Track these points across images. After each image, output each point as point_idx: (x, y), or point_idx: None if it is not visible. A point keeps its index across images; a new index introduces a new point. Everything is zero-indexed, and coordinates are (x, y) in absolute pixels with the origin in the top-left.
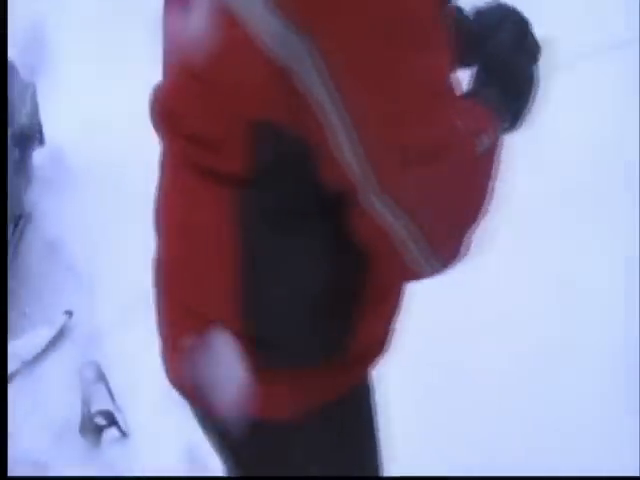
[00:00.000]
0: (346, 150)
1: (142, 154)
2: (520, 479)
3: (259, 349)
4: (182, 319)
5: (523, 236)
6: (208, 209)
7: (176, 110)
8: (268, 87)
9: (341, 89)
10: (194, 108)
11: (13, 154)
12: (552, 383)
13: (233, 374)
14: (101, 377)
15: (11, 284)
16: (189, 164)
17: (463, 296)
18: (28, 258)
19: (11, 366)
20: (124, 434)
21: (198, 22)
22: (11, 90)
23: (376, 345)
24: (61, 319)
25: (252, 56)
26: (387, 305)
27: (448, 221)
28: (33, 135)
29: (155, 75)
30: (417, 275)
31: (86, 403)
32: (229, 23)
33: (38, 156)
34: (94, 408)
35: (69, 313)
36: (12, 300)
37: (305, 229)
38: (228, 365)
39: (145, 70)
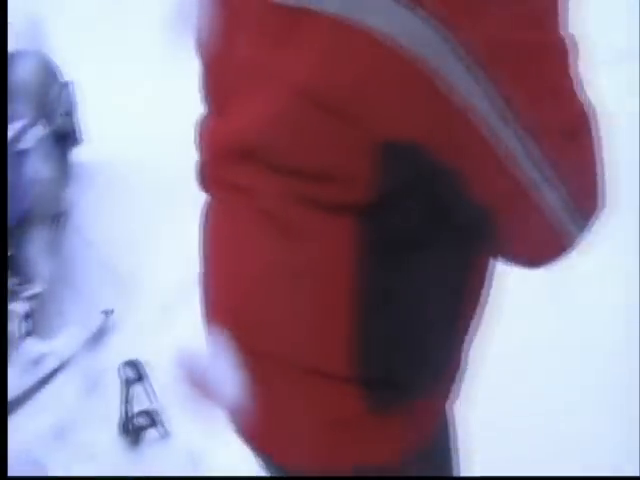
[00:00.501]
0: (503, 135)
1: (181, 154)
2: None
3: (369, 391)
4: (265, 367)
5: None
6: (316, 246)
7: (267, 145)
8: (408, 100)
9: (491, 77)
10: (302, 138)
11: (51, 153)
12: (550, 382)
13: (332, 422)
14: (142, 376)
15: (47, 284)
16: (285, 201)
17: None
18: (66, 257)
19: (50, 365)
20: (165, 434)
21: (315, 46)
22: (48, 89)
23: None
24: (100, 318)
25: (390, 69)
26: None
27: (589, 181)
28: (70, 134)
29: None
30: (563, 247)
31: (126, 403)
32: (361, 40)
33: (77, 155)
34: (135, 408)
35: (108, 312)
36: (50, 298)
37: (423, 258)
38: (325, 414)
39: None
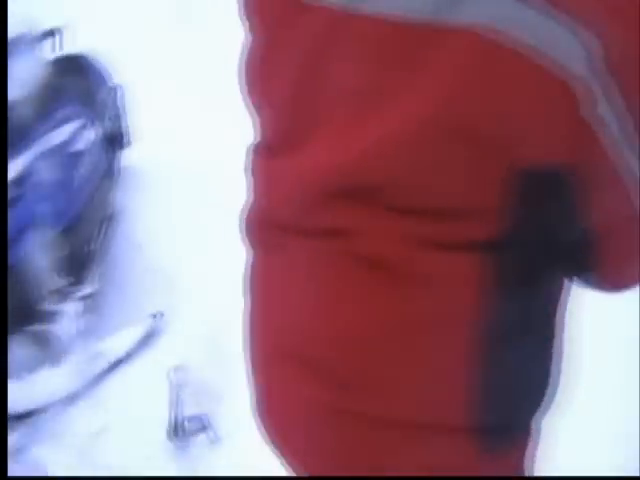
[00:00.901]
0: (628, 158)
1: (231, 161)
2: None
3: (482, 436)
4: (369, 429)
5: None
6: (434, 292)
7: (380, 181)
8: (553, 121)
9: (623, 93)
10: (425, 172)
11: (100, 156)
12: None
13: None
14: (191, 381)
15: (97, 285)
16: (399, 243)
17: None
18: (114, 259)
19: (100, 365)
20: (215, 440)
21: (449, 66)
22: (98, 92)
23: None
24: (149, 321)
25: (538, 87)
26: None
27: None
28: (119, 137)
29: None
30: None
31: (175, 407)
32: (506, 56)
33: (126, 158)
34: (184, 412)
35: (157, 315)
36: (98, 301)
37: (536, 292)
38: (435, 465)
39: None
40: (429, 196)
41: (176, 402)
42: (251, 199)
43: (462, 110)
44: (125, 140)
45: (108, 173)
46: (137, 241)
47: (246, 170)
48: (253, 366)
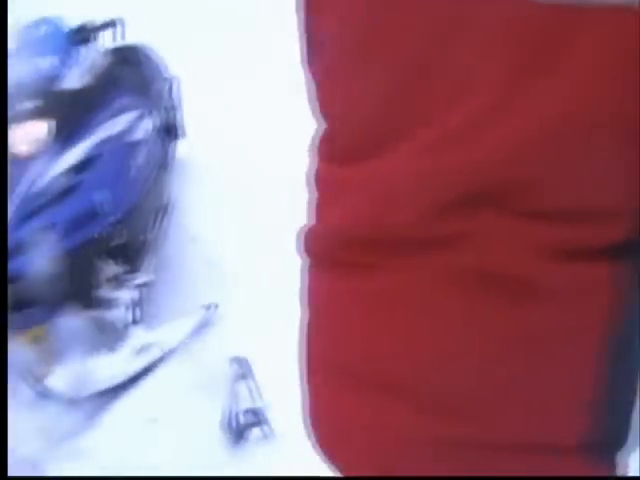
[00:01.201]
0: None
1: (287, 155)
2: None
3: (597, 454)
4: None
5: None
6: (565, 305)
7: (512, 183)
8: None
9: None
10: (565, 170)
11: (156, 146)
12: None
13: None
14: (247, 373)
15: (151, 275)
16: (531, 253)
17: None
18: (168, 250)
19: (154, 355)
20: (270, 434)
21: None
22: (154, 83)
23: None
24: (202, 312)
25: None
26: None
27: None
28: (173, 129)
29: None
30: None
31: (230, 400)
32: None
33: (179, 150)
34: (240, 405)
35: (211, 307)
36: (152, 291)
37: None
38: None
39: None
40: (567, 196)
41: (232, 395)
42: (315, 213)
43: (613, 98)
44: (179, 131)
45: (163, 164)
46: (190, 232)
47: (308, 183)
48: (311, 383)
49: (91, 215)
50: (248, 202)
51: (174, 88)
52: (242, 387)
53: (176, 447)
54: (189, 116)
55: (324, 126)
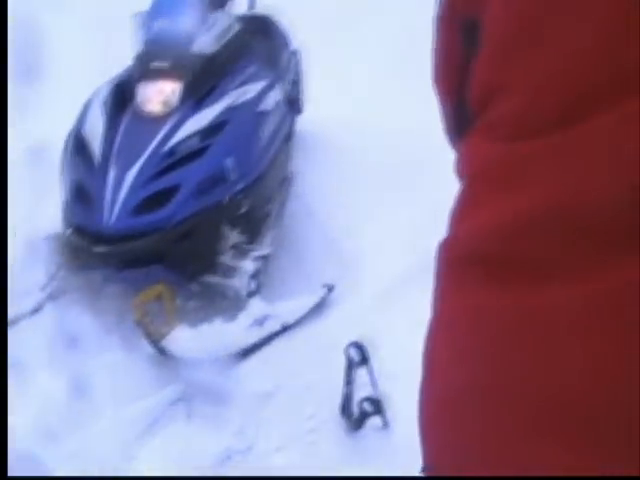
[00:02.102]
0: None
1: (408, 131)
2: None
3: None
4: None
5: None
6: None
7: None
8: None
9: None
10: None
11: (283, 118)
12: None
13: None
14: (366, 359)
15: (271, 247)
16: None
17: None
18: (287, 224)
19: (272, 327)
20: (386, 424)
21: None
22: (281, 54)
23: None
24: (321, 291)
25: None
26: None
27: None
28: (295, 102)
29: None
30: None
31: (348, 385)
32: None
33: (301, 123)
34: (359, 392)
35: (330, 287)
36: (271, 264)
37: None
38: None
39: None
40: None
41: (349, 380)
42: (470, 206)
43: None
44: (301, 105)
45: (287, 137)
46: (310, 207)
47: (465, 173)
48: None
49: (218, 180)
50: (366, 178)
51: (298, 61)
52: (361, 373)
53: (290, 425)
54: (310, 90)
55: (494, 110)
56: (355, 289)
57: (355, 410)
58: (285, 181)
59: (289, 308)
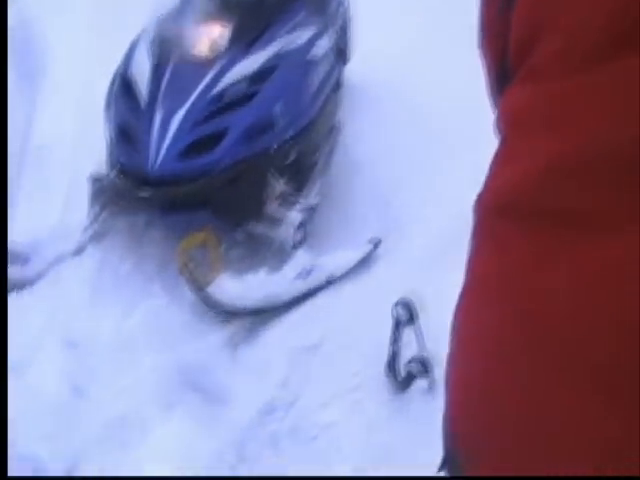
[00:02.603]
0: None
1: (454, 75)
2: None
3: None
4: None
5: None
6: None
7: None
8: None
9: None
10: None
11: (332, 67)
12: None
13: None
14: (413, 318)
15: (317, 199)
16: None
17: None
18: (333, 175)
19: (318, 279)
20: (433, 386)
21: None
22: (329, 2)
23: None
24: (367, 246)
25: None
26: None
27: None
28: (343, 51)
29: None
30: None
31: (395, 344)
32: None
33: (348, 73)
34: (405, 352)
35: (376, 241)
36: (318, 215)
37: None
38: None
39: None
40: None
41: (395, 339)
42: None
43: None
44: (348, 54)
45: (336, 86)
46: (356, 158)
47: (495, 127)
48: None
49: (267, 126)
50: (417, 133)
51: (346, 10)
52: (408, 332)
53: (335, 381)
54: (357, 39)
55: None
56: (402, 244)
57: (401, 370)
58: (333, 130)
59: (335, 261)
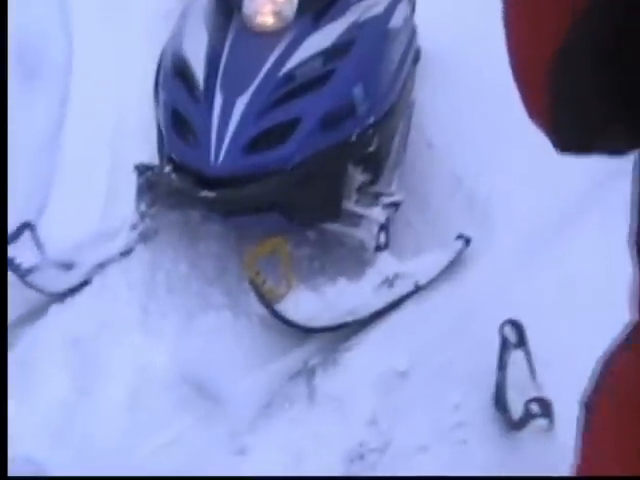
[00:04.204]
0: None
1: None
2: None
3: None
4: None
5: None
6: None
7: None
8: None
9: None
10: None
11: (412, 35)
12: None
13: None
14: (523, 340)
15: (401, 194)
16: None
17: None
18: (410, 160)
19: (405, 288)
20: (549, 427)
21: None
22: None
23: None
24: (455, 245)
25: None
26: None
27: None
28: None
29: None
30: None
31: (502, 371)
32: None
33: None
34: (513, 377)
35: (466, 238)
36: (402, 213)
37: None
38: None
39: None
40: None
41: (504, 364)
42: None
43: None
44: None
45: (416, 58)
46: (432, 142)
47: None
48: None
49: (346, 113)
50: (496, 109)
51: None
52: (516, 357)
53: (433, 416)
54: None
55: None
56: (493, 241)
57: (515, 405)
58: (408, 110)
59: (421, 265)
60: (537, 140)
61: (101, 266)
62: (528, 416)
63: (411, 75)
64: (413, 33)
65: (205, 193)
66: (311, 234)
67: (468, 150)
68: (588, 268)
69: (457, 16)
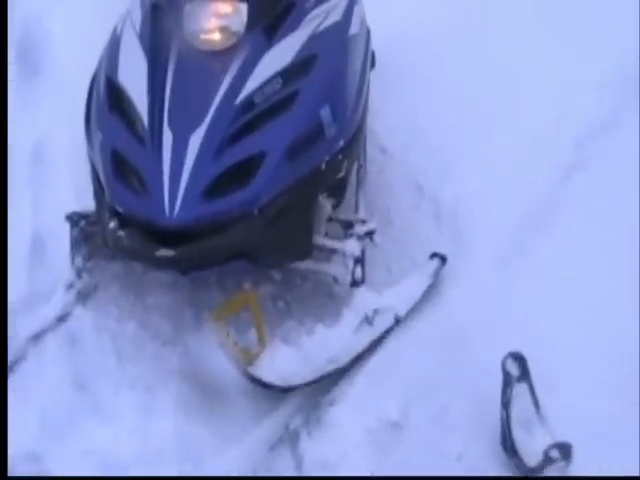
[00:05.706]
0: None
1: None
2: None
3: None
4: None
5: None
6: None
7: None
8: None
9: None
10: None
11: (367, 41)
12: None
13: None
14: (526, 373)
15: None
16: None
17: None
18: (372, 178)
19: (385, 323)
20: (567, 463)
21: None
22: None
23: None
24: (430, 265)
25: None
26: None
27: None
28: None
29: None
30: None
31: (507, 408)
32: None
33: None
34: (524, 425)
35: (440, 257)
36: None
37: None
38: None
39: None
40: None
41: (507, 400)
42: None
43: None
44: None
45: (372, 63)
46: (387, 151)
47: None
48: None
49: (314, 139)
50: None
51: None
52: (519, 391)
53: (434, 469)
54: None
55: None
56: (469, 254)
57: (523, 445)
58: (364, 122)
59: (399, 294)
60: (499, 140)
61: (36, 337)
62: (547, 462)
63: (369, 84)
64: (369, 35)
65: (162, 252)
66: (279, 276)
67: (426, 155)
68: (571, 262)
69: (406, 14)
